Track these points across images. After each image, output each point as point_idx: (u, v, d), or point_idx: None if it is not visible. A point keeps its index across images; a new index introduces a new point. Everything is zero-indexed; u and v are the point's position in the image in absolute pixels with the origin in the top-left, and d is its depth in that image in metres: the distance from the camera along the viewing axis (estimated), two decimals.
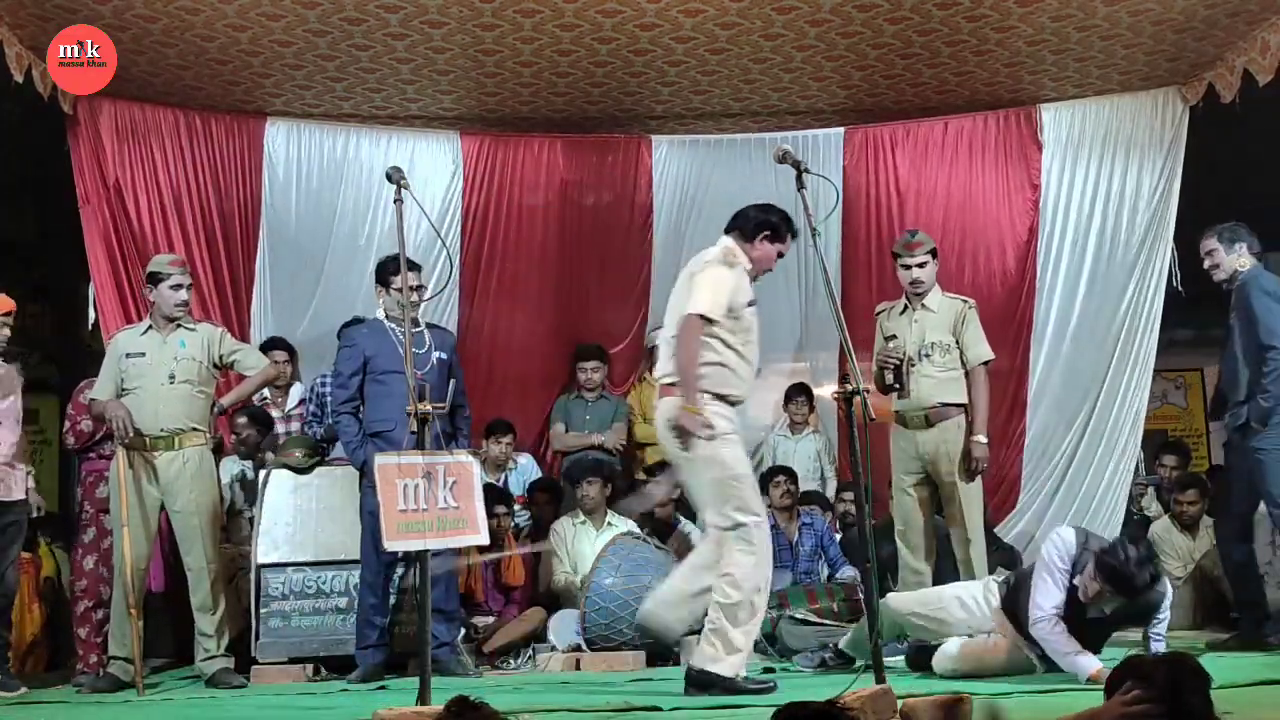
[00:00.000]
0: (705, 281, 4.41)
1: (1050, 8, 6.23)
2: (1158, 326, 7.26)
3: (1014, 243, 7.51)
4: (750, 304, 4.46)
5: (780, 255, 4.62)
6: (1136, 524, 7.39)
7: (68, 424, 6.02)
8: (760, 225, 4.56)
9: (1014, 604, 4.70)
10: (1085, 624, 4.49)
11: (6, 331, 5.63)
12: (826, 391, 7.49)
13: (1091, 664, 4.29)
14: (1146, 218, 7.31)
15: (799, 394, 7.57)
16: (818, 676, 4.91)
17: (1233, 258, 5.58)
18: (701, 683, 4.23)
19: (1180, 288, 7.22)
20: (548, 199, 7.72)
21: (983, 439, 5.48)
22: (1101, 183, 7.38)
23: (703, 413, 4.27)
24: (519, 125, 7.66)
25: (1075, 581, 4.46)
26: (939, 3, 6.17)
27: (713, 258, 4.50)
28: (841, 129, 7.63)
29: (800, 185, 4.26)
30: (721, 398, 4.38)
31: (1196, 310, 9.39)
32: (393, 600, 5.64)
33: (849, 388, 3.86)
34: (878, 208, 7.62)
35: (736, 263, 4.49)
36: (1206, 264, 5.68)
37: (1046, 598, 4.47)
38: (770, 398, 7.95)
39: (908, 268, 5.67)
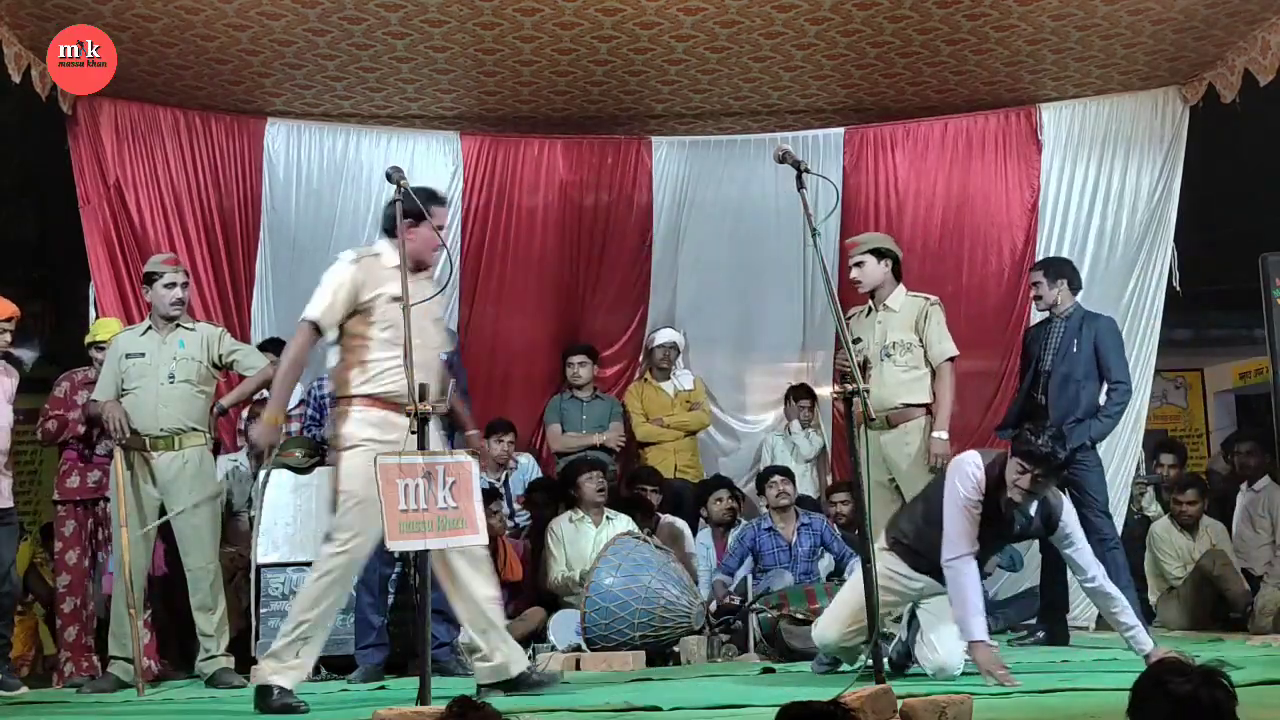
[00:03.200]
0: (320, 287, 4.34)
1: (1050, 7, 6.23)
2: (1158, 326, 7.26)
3: (1013, 242, 7.52)
4: (396, 299, 4.14)
5: (438, 231, 4.45)
6: (1136, 524, 7.39)
7: (39, 418, 5.96)
8: (406, 214, 4.34)
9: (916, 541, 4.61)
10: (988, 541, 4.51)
11: (8, 337, 5.63)
12: (826, 392, 7.49)
13: (981, 631, 4.31)
14: (1146, 217, 7.31)
15: (798, 395, 7.58)
16: (816, 676, 4.90)
17: (1054, 292, 6.04)
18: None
19: (1180, 288, 7.22)
20: (548, 199, 7.73)
21: (943, 435, 5.41)
22: (1101, 182, 7.38)
23: (278, 422, 4.30)
24: (519, 125, 7.66)
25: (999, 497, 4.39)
26: (939, 1, 6.17)
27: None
28: (841, 129, 7.63)
29: (800, 185, 4.24)
30: (373, 398, 4.25)
31: (1196, 310, 9.43)
32: (392, 600, 5.64)
33: (849, 388, 3.85)
34: (878, 208, 7.62)
35: (363, 256, 4.38)
36: (1032, 294, 6.22)
37: (962, 535, 4.38)
38: (768, 398, 7.97)
39: (850, 269, 5.69)
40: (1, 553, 5.58)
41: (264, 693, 4.21)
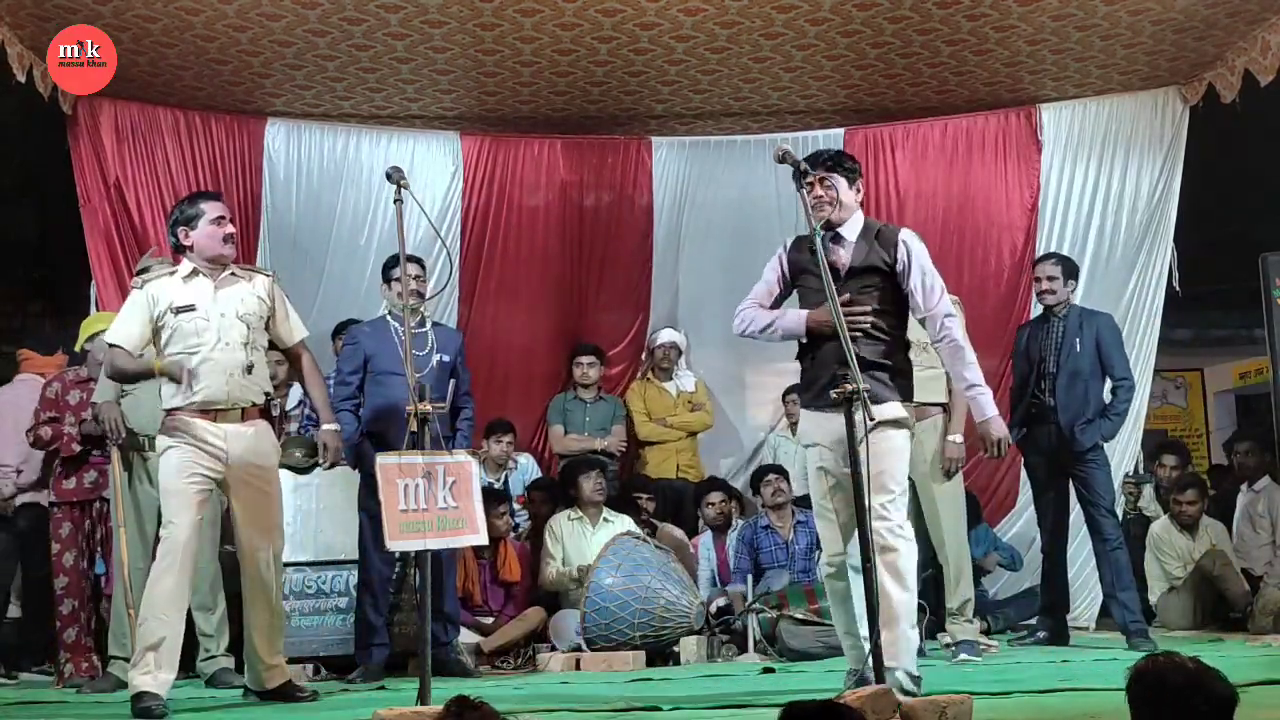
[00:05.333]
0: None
1: (1050, 7, 6.23)
2: (1157, 326, 7.26)
3: (1013, 242, 7.51)
4: (183, 310, 4.51)
5: (218, 222, 4.61)
6: (1134, 523, 7.40)
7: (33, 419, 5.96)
8: (175, 224, 4.67)
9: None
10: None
11: None
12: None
13: (800, 314, 4.15)
14: (1145, 218, 7.31)
15: (793, 393, 7.58)
16: (816, 675, 4.90)
17: (1067, 289, 5.98)
18: None
19: (1180, 288, 7.22)
20: (548, 199, 7.73)
21: (958, 439, 5.44)
22: (1101, 182, 7.39)
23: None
24: (519, 125, 7.67)
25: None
26: (939, 2, 6.18)
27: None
28: (841, 129, 7.63)
29: (800, 185, 4.24)
30: (183, 409, 4.48)
31: (1196, 310, 9.43)
32: (391, 600, 5.65)
33: (849, 387, 3.84)
34: (878, 208, 7.60)
35: (146, 282, 4.62)
36: (1044, 285, 6.03)
37: (755, 295, 4.36)
38: (768, 397, 7.98)
39: None
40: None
41: (134, 700, 4.25)
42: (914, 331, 5.43)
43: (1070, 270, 6.07)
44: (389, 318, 5.65)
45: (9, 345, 10.01)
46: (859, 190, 4.34)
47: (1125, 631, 5.70)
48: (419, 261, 5.78)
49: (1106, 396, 5.96)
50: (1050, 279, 6.00)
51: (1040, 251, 7.37)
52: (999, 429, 4.33)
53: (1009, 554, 7.01)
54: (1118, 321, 6.88)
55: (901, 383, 4.19)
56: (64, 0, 5.82)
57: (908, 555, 4.04)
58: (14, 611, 6.51)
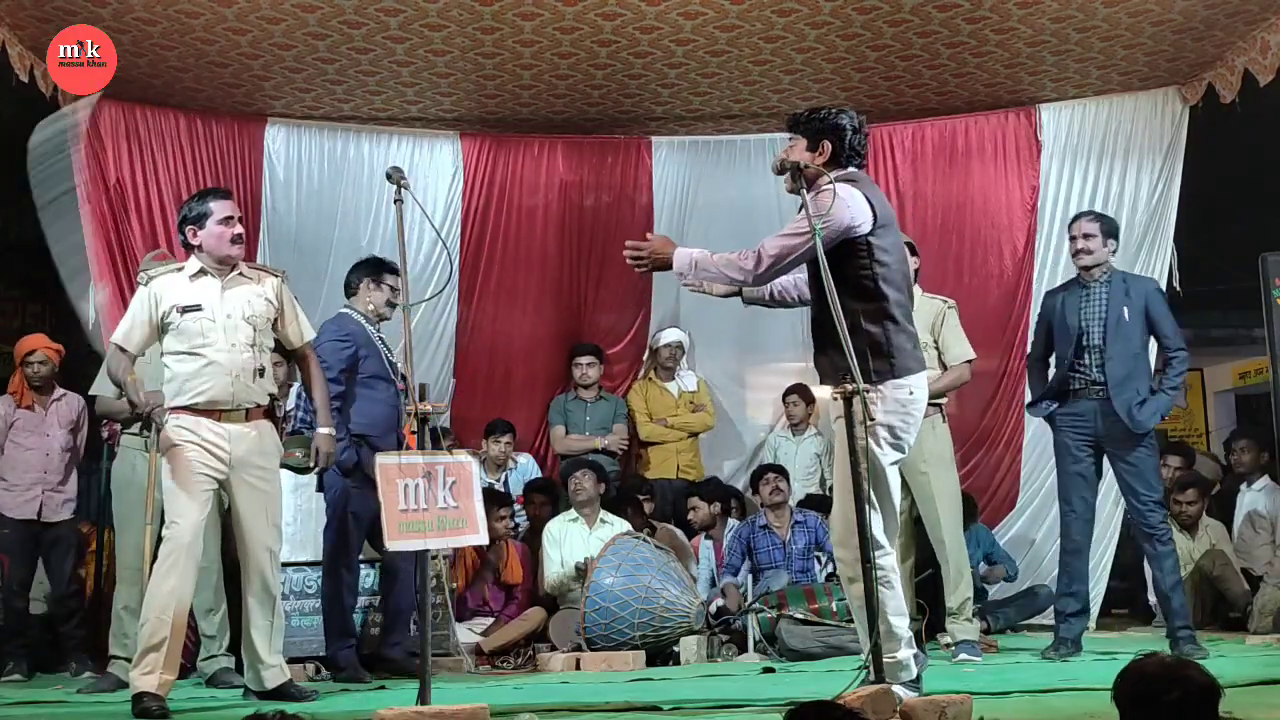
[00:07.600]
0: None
1: (1050, 9, 6.23)
2: None
3: (1012, 243, 7.52)
4: (189, 309, 4.52)
5: (226, 222, 4.61)
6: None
7: None
8: (183, 222, 4.68)
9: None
10: None
11: (40, 369, 6.30)
12: (827, 392, 7.48)
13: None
14: (1145, 218, 7.32)
15: (793, 393, 7.60)
16: (816, 675, 4.90)
17: (1106, 250, 5.56)
18: None
19: (1180, 288, 7.22)
20: (548, 200, 7.75)
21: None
22: (1101, 183, 7.39)
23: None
24: (519, 127, 7.67)
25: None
26: (939, 4, 6.18)
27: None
28: None
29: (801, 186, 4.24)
30: (188, 409, 4.49)
31: (1196, 310, 9.42)
32: (366, 601, 5.69)
33: (849, 387, 3.85)
34: None
35: (150, 277, 4.63)
36: (1079, 244, 5.57)
37: None
38: (769, 398, 7.98)
39: None
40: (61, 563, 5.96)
41: (134, 700, 4.26)
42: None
43: (1109, 229, 5.60)
44: (362, 320, 5.58)
45: (9, 345, 10.03)
46: (823, 152, 4.09)
47: (1173, 637, 5.35)
48: (395, 272, 5.72)
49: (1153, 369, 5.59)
50: (1087, 236, 5.53)
51: (1040, 252, 7.39)
52: (681, 258, 3.99)
53: (994, 565, 6.91)
54: None
55: (842, 362, 3.75)
56: (64, 1, 5.82)
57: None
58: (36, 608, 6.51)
